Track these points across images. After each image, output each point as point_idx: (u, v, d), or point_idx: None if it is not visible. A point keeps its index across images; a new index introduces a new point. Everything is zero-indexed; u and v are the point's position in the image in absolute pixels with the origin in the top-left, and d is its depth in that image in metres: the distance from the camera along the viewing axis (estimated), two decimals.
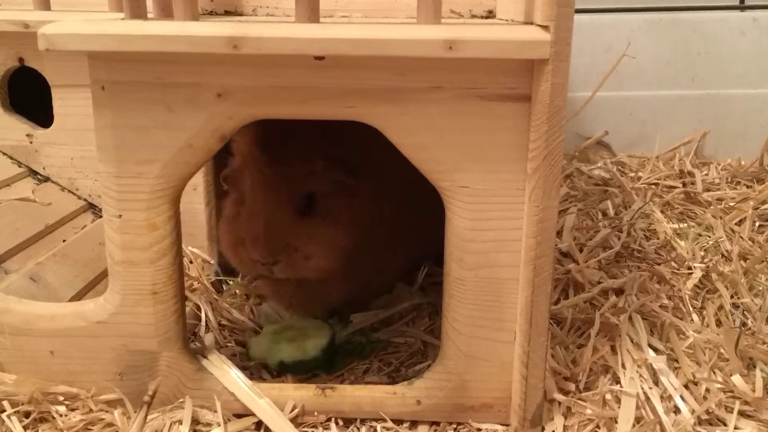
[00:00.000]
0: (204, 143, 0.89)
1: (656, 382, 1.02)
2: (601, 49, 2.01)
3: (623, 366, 1.05)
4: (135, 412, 0.96)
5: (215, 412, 0.96)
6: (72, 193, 1.39)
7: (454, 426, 0.97)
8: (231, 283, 1.32)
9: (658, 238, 1.52)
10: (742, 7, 2.03)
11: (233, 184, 1.09)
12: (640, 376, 1.02)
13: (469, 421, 0.97)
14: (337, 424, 0.97)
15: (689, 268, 1.38)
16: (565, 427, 0.95)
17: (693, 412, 0.97)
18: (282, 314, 1.20)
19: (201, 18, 1.00)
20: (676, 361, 1.08)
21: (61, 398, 0.98)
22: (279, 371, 1.07)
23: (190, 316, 1.18)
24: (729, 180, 1.85)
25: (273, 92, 0.87)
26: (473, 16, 1.31)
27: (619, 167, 1.95)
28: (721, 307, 1.25)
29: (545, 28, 0.82)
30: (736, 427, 0.95)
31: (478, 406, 0.96)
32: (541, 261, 0.88)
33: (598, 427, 0.95)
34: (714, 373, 1.04)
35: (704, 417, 0.96)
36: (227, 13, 1.34)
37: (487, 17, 1.31)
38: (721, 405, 0.98)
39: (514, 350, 0.93)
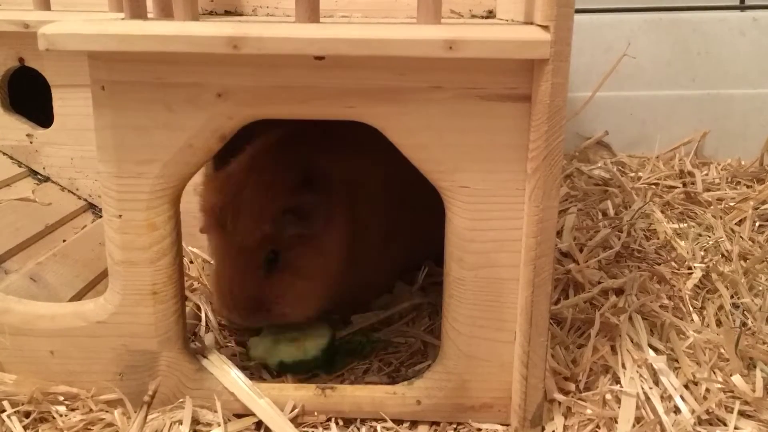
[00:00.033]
0: (204, 143, 0.89)
1: (656, 382, 1.02)
2: (601, 49, 2.01)
3: (623, 366, 1.05)
4: (135, 412, 0.96)
5: (215, 412, 0.96)
6: (72, 193, 1.39)
7: (454, 426, 0.97)
8: None
9: (658, 238, 1.52)
10: (742, 7, 2.03)
11: (208, 234, 1.11)
12: (640, 376, 1.02)
13: (469, 421, 0.97)
14: (337, 424, 0.97)
15: (689, 268, 1.38)
16: (565, 427, 0.95)
17: (693, 412, 0.97)
18: None
19: (201, 18, 1.00)
20: (676, 361, 1.08)
21: (61, 398, 0.98)
22: (279, 371, 1.07)
23: (190, 316, 1.18)
24: (729, 180, 1.85)
25: (273, 92, 0.87)
26: (473, 16, 1.31)
27: (619, 167, 1.95)
28: (721, 307, 1.25)
29: (545, 28, 0.82)
30: (736, 427, 0.95)
31: (478, 406, 0.96)
32: (541, 261, 0.88)
33: (598, 427, 0.95)
34: (714, 373, 1.04)
35: (704, 417, 0.96)
36: (227, 13, 1.34)
37: (487, 17, 1.31)
38: (721, 405, 0.98)
39: (514, 350, 0.93)
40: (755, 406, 0.98)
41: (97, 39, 0.83)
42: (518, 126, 0.86)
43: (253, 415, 0.96)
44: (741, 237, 1.51)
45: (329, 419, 0.97)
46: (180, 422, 0.94)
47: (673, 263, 1.40)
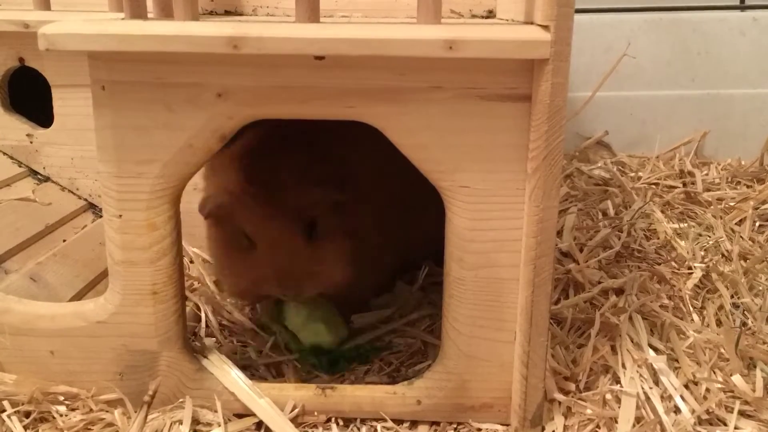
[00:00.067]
0: (204, 143, 0.89)
1: (656, 382, 1.02)
2: (601, 49, 2.01)
3: (623, 366, 1.05)
4: (135, 412, 0.96)
5: (215, 412, 0.96)
6: (72, 193, 1.39)
7: (454, 426, 0.97)
8: None
9: (659, 238, 1.52)
10: (742, 7, 2.03)
11: (222, 220, 1.08)
12: (641, 376, 1.02)
13: (470, 421, 0.97)
14: (337, 424, 0.97)
15: (689, 268, 1.38)
16: (565, 427, 0.95)
17: (693, 412, 0.97)
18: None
19: (201, 18, 1.00)
20: (677, 361, 1.08)
21: (62, 398, 0.98)
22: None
23: (190, 316, 1.18)
24: (729, 180, 1.85)
25: (273, 92, 0.87)
26: (473, 16, 1.31)
27: (619, 167, 1.95)
28: (721, 307, 1.25)
29: (545, 28, 0.82)
30: (736, 427, 0.95)
31: (479, 406, 0.96)
32: (542, 261, 0.88)
33: (598, 427, 0.95)
34: (714, 373, 1.04)
35: (704, 417, 0.96)
36: (227, 13, 1.34)
37: (487, 17, 1.31)
38: (722, 405, 0.98)
39: (515, 350, 0.93)
40: (755, 406, 0.98)
41: (97, 39, 0.83)
42: (518, 126, 0.86)
43: (254, 415, 0.96)
44: (741, 237, 1.51)
45: (329, 419, 0.98)
46: (180, 422, 0.94)
47: (673, 263, 1.40)
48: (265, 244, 1.03)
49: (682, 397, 0.99)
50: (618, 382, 1.02)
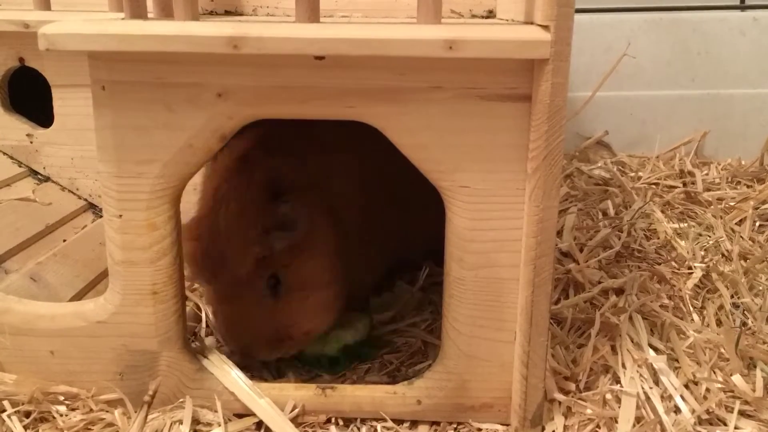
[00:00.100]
0: (204, 143, 0.89)
1: (656, 381, 1.02)
2: (601, 49, 2.01)
3: (623, 366, 1.05)
4: (135, 412, 0.96)
5: (216, 411, 0.96)
6: (72, 193, 1.39)
7: (455, 426, 0.97)
8: None
9: (659, 238, 1.52)
10: (742, 7, 2.03)
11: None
12: (641, 375, 1.02)
13: (470, 421, 0.97)
14: (337, 424, 0.97)
15: (689, 267, 1.38)
16: (565, 427, 0.95)
17: (693, 411, 0.97)
18: None
19: (201, 18, 1.00)
20: (677, 360, 1.08)
21: (62, 398, 0.98)
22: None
23: (190, 316, 1.18)
24: (729, 180, 1.85)
25: (273, 92, 0.87)
26: (473, 16, 1.31)
27: (620, 167, 1.95)
28: (721, 307, 1.25)
29: (545, 27, 0.82)
30: (736, 427, 0.95)
31: (479, 406, 0.96)
32: (542, 261, 0.88)
33: (598, 426, 0.95)
34: (714, 372, 1.04)
35: (704, 417, 0.96)
36: (227, 13, 1.34)
37: (487, 17, 1.31)
38: (722, 405, 0.98)
39: (515, 350, 0.93)
40: (755, 406, 0.98)
41: (97, 39, 0.83)
42: (518, 126, 0.86)
43: (254, 415, 0.96)
44: (741, 237, 1.51)
45: (329, 419, 0.98)
46: (180, 422, 0.94)
47: (673, 263, 1.40)
48: (227, 316, 1.02)
49: (682, 397, 0.99)
50: (618, 382, 1.02)
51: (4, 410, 0.95)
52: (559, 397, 0.98)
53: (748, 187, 1.80)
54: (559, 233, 1.48)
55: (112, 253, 0.93)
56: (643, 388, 1.00)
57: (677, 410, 0.97)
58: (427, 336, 1.15)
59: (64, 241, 1.26)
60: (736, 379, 1.01)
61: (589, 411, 0.97)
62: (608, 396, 1.00)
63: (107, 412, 0.96)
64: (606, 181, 1.83)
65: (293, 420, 0.95)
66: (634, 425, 0.94)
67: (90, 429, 0.95)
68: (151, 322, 0.94)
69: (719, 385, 1.01)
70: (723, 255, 1.44)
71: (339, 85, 0.86)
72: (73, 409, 0.97)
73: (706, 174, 1.89)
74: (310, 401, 0.97)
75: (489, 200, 0.89)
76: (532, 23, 0.87)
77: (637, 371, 1.03)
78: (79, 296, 1.16)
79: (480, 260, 0.90)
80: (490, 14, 1.31)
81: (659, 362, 1.04)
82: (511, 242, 0.89)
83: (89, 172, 1.37)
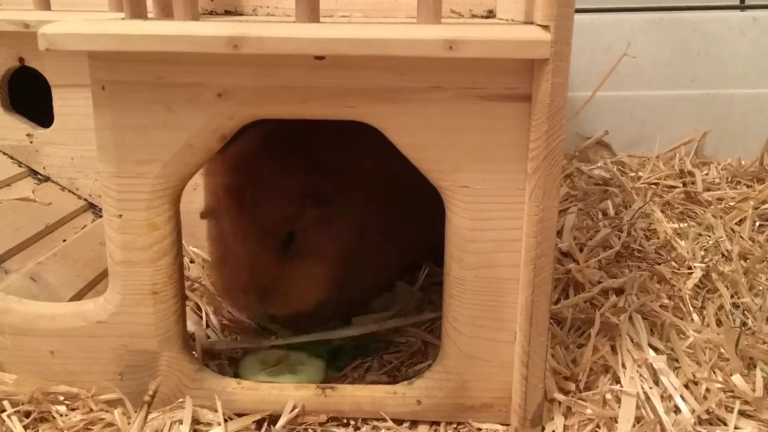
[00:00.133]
0: (204, 143, 0.89)
1: (656, 381, 1.02)
2: (601, 49, 2.01)
3: (623, 366, 1.05)
4: (135, 411, 0.96)
5: (215, 411, 0.96)
6: (72, 192, 1.39)
7: (454, 426, 0.97)
8: None
9: (659, 238, 1.52)
10: (742, 7, 2.03)
11: (214, 220, 1.09)
12: (641, 375, 1.02)
13: (470, 421, 0.97)
14: (337, 424, 0.97)
15: (689, 267, 1.38)
16: (565, 427, 0.95)
17: (693, 411, 0.97)
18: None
19: (201, 18, 1.00)
20: (677, 360, 1.08)
21: (62, 398, 0.98)
22: None
23: (190, 316, 1.17)
24: (729, 180, 1.85)
25: (273, 92, 0.87)
26: (473, 16, 1.31)
27: (619, 167, 1.95)
28: (721, 307, 1.25)
29: (545, 27, 0.82)
30: (736, 427, 0.95)
31: (479, 406, 0.96)
32: (542, 261, 0.88)
33: (598, 426, 0.95)
34: (714, 372, 1.04)
35: (704, 417, 0.96)
36: (227, 12, 1.34)
37: (487, 17, 1.31)
38: (722, 405, 0.98)
39: (515, 350, 0.93)
40: (755, 405, 0.98)
41: (97, 39, 0.83)
42: (518, 126, 0.86)
43: (254, 414, 0.96)
44: (741, 237, 1.51)
45: (329, 419, 0.97)
46: (180, 422, 0.94)
47: (673, 263, 1.40)
48: (238, 256, 1.03)
49: (682, 397, 0.99)
50: (618, 382, 1.02)
51: (4, 410, 0.95)
52: (559, 397, 0.98)
53: (748, 187, 1.80)
54: (559, 233, 1.48)
55: (112, 253, 0.93)
56: (643, 388, 1.00)
57: (677, 410, 0.97)
58: (427, 336, 1.15)
59: (64, 241, 1.26)
60: (736, 379, 1.01)
61: (589, 411, 0.97)
62: (608, 396, 1.00)
63: (107, 412, 0.96)
64: (606, 181, 1.83)
65: (293, 420, 0.95)
66: (634, 425, 0.94)
67: (90, 429, 0.95)
68: (151, 322, 0.94)
69: (719, 385, 1.01)
70: (723, 255, 1.44)
71: (339, 85, 0.86)
72: (73, 409, 0.97)
73: (706, 174, 1.89)
74: (310, 401, 0.97)
75: (489, 200, 0.89)
76: (532, 23, 0.87)
77: (637, 371, 1.03)
78: (79, 296, 1.16)
79: (480, 260, 0.90)
80: (490, 14, 1.31)
81: (659, 362, 1.04)
82: (511, 242, 0.89)
83: (89, 172, 1.37)
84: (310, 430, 0.96)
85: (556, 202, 0.87)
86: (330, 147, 1.09)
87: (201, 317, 1.19)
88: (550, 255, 0.88)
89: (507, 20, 1.14)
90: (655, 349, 1.10)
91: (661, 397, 0.99)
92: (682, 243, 1.49)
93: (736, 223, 1.58)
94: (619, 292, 1.27)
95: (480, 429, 0.96)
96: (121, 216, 0.91)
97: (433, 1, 0.88)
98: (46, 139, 1.38)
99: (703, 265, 1.37)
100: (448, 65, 0.85)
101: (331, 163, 1.07)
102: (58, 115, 1.36)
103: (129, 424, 0.94)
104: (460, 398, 0.96)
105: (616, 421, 0.95)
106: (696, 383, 1.03)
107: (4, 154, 1.39)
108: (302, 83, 0.86)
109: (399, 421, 0.97)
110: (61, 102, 1.35)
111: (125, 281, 0.93)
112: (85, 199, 1.40)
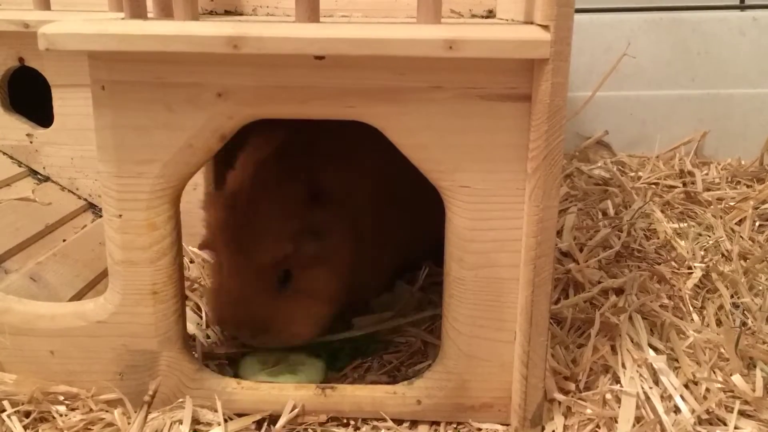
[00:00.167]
0: (204, 143, 0.89)
1: (656, 381, 1.02)
2: (601, 49, 2.01)
3: (623, 366, 1.05)
4: (135, 411, 0.96)
5: (215, 411, 0.96)
6: (72, 192, 1.39)
7: (454, 426, 0.97)
8: None
9: (658, 238, 1.52)
10: (742, 7, 2.03)
11: (212, 250, 1.09)
12: (640, 375, 1.02)
13: (469, 421, 0.97)
14: (336, 424, 0.97)
15: (689, 267, 1.38)
16: (565, 427, 0.95)
17: (693, 411, 0.97)
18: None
19: (201, 18, 1.00)
20: (676, 360, 1.08)
21: (61, 398, 0.98)
22: None
23: (190, 317, 1.17)
24: (729, 180, 1.85)
25: (273, 92, 0.87)
26: (473, 16, 1.31)
27: (619, 167, 1.95)
28: (721, 307, 1.25)
29: (545, 27, 0.82)
30: (736, 427, 0.95)
31: (478, 406, 0.96)
32: (541, 261, 0.88)
33: (598, 426, 0.95)
34: (714, 372, 1.04)
35: (704, 417, 0.96)
36: (227, 12, 1.34)
37: (487, 17, 1.31)
38: (721, 405, 0.98)
39: (514, 350, 0.93)
40: (755, 405, 0.98)
41: (97, 39, 0.83)
42: (518, 126, 0.86)
43: (254, 414, 0.96)
44: (741, 237, 1.51)
45: (329, 419, 0.97)
46: (180, 422, 0.94)
47: (673, 263, 1.40)
48: (233, 292, 1.03)
49: (682, 396, 0.99)
50: (618, 382, 1.02)
51: (4, 410, 0.95)
52: (559, 397, 0.98)
53: (748, 187, 1.80)
54: (559, 233, 1.48)
55: (112, 253, 0.93)
56: (642, 388, 1.00)
57: (677, 410, 0.97)
58: (427, 336, 1.15)
59: (64, 240, 1.26)
60: (736, 379, 1.01)
61: (588, 411, 0.97)
62: (608, 396, 1.00)
63: (107, 412, 0.96)
64: (606, 181, 1.83)
65: (293, 420, 0.95)
66: (633, 425, 0.94)
67: (90, 429, 0.95)
68: (151, 322, 0.94)
69: (719, 385, 1.01)
70: (723, 255, 1.44)
71: (339, 85, 0.86)
72: (73, 409, 0.97)
73: (706, 174, 1.89)
74: (310, 401, 0.97)
75: (489, 200, 0.89)
76: (531, 23, 0.87)
77: (637, 371, 1.03)
78: (79, 296, 1.16)
79: (480, 260, 0.90)
80: (490, 14, 1.31)
81: (659, 362, 1.04)
82: (511, 242, 0.89)
83: (89, 172, 1.38)
84: (310, 430, 0.96)
85: (556, 202, 0.87)
86: (330, 148, 1.08)
87: (201, 317, 1.19)
88: (550, 255, 0.88)
89: (507, 20, 1.14)
90: (655, 349, 1.10)
91: (661, 397, 0.99)
92: (682, 243, 1.49)
93: (736, 223, 1.58)
94: (619, 292, 1.27)
95: (480, 429, 0.96)
96: (121, 216, 0.91)
97: (433, 1, 0.88)
98: (46, 139, 1.38)
99: (703, 265, 1.37)
100: (448, 65, 0.85)
101: (331, 179, 1.05)
102: (58, 115, 1.36)
103: (129, 424, 0.94)
104: (460, 398, 0.96)
105: (616, 421, 0.95)
106: (696, 383, 1.03)
107: (4, 154, 1.39)
108: (302, 83, 0.86)
109: (399, 421, 0.97)
110: (61, 102, 1.35)
111: (125, 281, 0.93)
112: (85, 199, 1.40)
